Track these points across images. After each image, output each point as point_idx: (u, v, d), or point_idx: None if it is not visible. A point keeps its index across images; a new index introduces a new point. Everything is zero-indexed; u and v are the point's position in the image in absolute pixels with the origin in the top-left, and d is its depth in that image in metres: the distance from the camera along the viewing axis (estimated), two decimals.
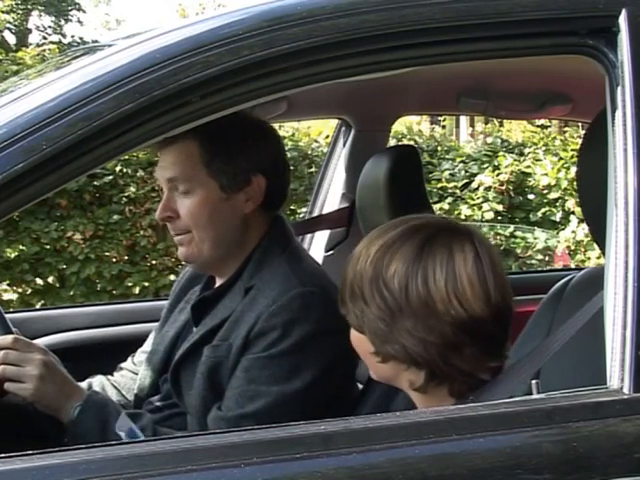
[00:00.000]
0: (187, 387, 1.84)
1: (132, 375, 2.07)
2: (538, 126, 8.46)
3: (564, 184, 7.51)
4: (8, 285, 6.74)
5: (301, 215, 6.63)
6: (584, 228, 6.77)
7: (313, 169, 7.01)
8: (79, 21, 22.05)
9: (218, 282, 1.92)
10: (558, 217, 7.58)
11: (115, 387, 2.05)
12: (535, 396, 1.29)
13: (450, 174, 7.64)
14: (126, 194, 6.68)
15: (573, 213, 7.40)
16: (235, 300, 1.81)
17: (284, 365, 1.71)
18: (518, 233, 7.24)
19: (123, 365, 2.11)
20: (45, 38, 20.29)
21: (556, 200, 7.59)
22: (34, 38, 20.16)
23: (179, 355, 1.87)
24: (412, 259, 1.37)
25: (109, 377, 2.08)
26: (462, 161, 7.77)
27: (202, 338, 1.83)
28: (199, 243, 1.82)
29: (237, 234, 1.84)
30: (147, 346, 2.10)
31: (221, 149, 1.78)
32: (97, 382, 2.05)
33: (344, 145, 2.88)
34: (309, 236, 2.96)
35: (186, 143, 1.77)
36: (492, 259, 1.40)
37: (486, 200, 7.47)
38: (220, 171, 1.79)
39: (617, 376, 1.27)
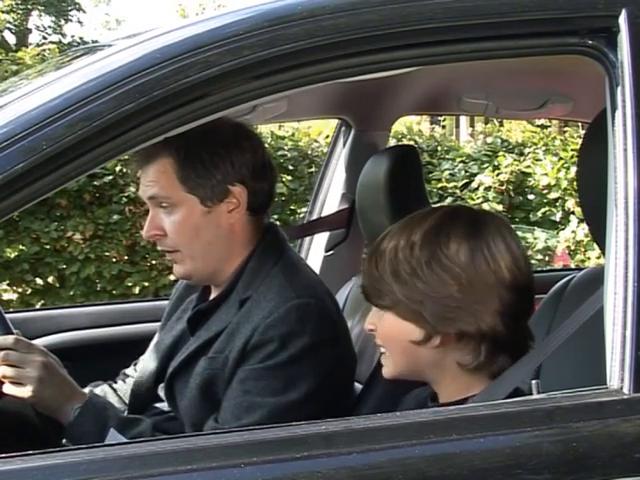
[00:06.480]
0: (180, 397, 1.83)
1: None
2: (538, 126, 8.45)
3: (564, 184, 7.50)
4: (8, 285, 6.73)
5: (301, 215, 6.63)
6: (584, 228, 6.76)
7: (313, 169, 7.00)
8: (79, 21, 22.10)
9: (214, 292, 1.90)
10: (558, 217, 7.58)
11: (117, 394, 2.03)
12: (535, 396, 1.29)
13: (450, 174, 7.63)
14: (126, 194, 6.67)
15: (573, 213, 7.38)
16: (230, 312, 1.79)
17: (280, 377, 1.70)
18: (518, 233, 7.13)
19: (127, 371, 2.09)
20: (45, 38, 20.32)
21: (556, 200, 7.58)
22: (34, 38, 20.22)
23: (173, 367, 1.85)
24: (470, 234, 1.44)
25: (112, 384, 2.07)
26: (462, 161, 7.76)
27: (197, 350, 1.81)
28: (190, 260, 1.80)
29: (226, 245, 1.81)
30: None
31: (194, 164, 1.76)
32: (99, 390, 2.02)
33: (344, 145, 2.87)
34: (308, 237, 2.95)
35: (162, 161, 1.76)
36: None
37: (486, 200, 7.47)
38: (197, 185, 1.76)
39: (617, 376, 1.27)
